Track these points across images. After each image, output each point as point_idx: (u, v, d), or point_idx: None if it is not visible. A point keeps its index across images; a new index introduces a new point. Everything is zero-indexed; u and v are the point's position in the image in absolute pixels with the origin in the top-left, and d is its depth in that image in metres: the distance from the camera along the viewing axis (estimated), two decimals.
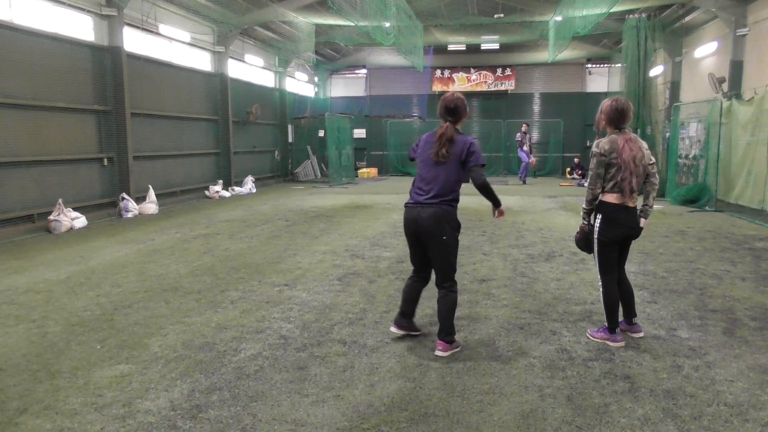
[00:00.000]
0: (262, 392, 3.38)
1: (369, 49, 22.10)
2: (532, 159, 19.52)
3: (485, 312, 4.90)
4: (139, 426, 2.99)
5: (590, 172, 4.06)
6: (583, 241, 4.24)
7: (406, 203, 4.07)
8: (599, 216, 4.08)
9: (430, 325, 4.55)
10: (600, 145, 4.01)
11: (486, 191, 3.95)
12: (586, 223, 4.17)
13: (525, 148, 18.93)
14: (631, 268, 6.47)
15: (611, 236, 4.04)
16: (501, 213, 4.18)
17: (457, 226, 3.97)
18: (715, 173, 11.94)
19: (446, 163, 3.88)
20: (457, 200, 3.97)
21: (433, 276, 4.19)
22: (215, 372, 3.67)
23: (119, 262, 7.01)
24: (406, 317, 4.24)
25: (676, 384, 3.45)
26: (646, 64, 14.05)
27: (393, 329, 4.23)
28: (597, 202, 4.10)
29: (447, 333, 3.96)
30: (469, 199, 14.42)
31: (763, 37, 12.62)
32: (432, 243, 3.94)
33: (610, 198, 4.02)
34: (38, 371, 3.70)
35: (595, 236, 4.11)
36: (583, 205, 4.18)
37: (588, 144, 23.00)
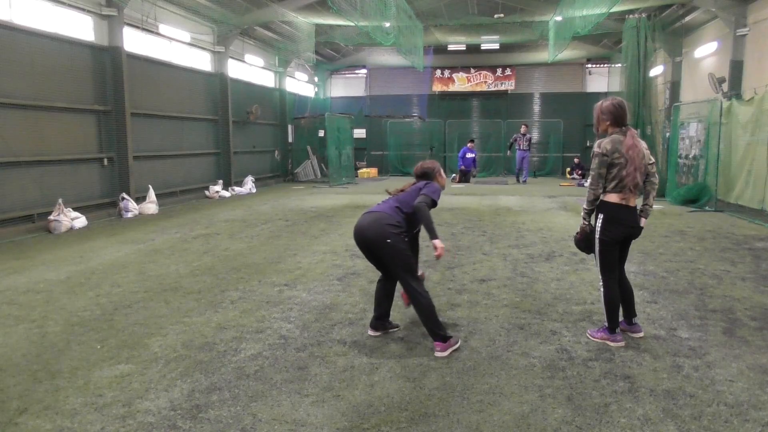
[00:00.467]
0: (262, 392, 3.38)
1: (369, 49, 22.09)
2: (509, 153, 20.18)
3: (485, 312, 4.90)
4: (139, 426, 2.99)
5: (591, 173, 4.06)
6: (584, 242, 4.23)
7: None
8: (600, 216, 4.08)
9: None
10: (602, 145, 4.02)
11: (422, 214, 3.93)
12: (586, 223, 4.17)
13: (523, 147, 19.12)
14: (631, 268, 6.48)
15: (613, 236, 4.05)
16: (437, 249, 3.90)
17: (401, 230, 3.98)
18: (715, 173, 11.93)
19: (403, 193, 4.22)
20: (404, 212, 4.04)
21: None
22: (215, 372, 3.67)
23: (119, 262, 7.01)
24: (381, 319, 4.33)
25: (676, 384, 3.45)
26: (646, 64, 14.04)
27: (370, 332, 4.30)
28: (598, 203, 4.10)
29: (437, 332, 3.95)
30: (469, 198, 14.49)
31: (763, 37, 12.61)
32: (379, 249, 3.97)
33: (612, 198, 4.02)
34: (38, 371, 3.70)
35: (597, 236, 4.10)
36: (584, 206, 4.17)
37: (588, 144, 23.00)
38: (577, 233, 4.29)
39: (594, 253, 4.19)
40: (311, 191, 16.58)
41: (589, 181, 4.13)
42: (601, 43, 20.62)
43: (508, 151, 20.23)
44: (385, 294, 4.29)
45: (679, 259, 6.97)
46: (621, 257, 4.22)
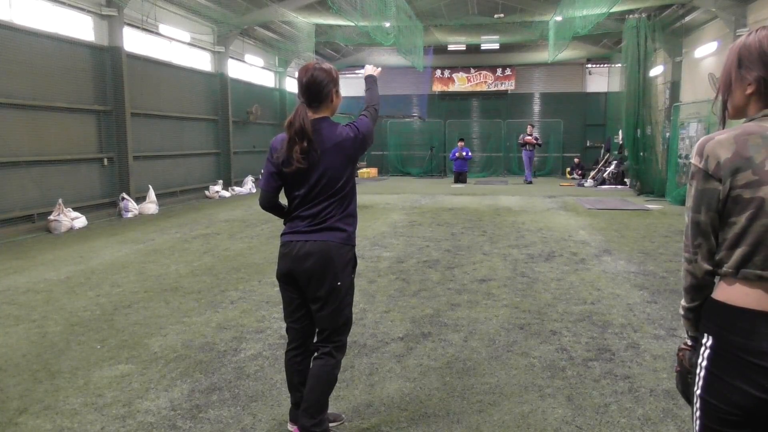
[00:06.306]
0: (262, 392, 3.38)
1: (369, 49, 22.08)
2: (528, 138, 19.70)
3: (485, 312, 4.90)
4: (139, 426, 2.99)
5: (687, 216, 1.63)
6: (681, 382, 1.79)
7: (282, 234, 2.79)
8: (708, 337, 1.57)
9: (430, 325, 4.56)
10: (707, 148, 1.55)
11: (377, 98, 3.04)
12: (689, 342, 1.72)
13: (528, 148, 19.19)
14: (631, 268, 6.48)
15: (734, 400, 1.49)
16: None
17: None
18: None
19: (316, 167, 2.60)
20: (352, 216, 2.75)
21: None
22: (215, 372, 3.67)
23: (119, 262, 7.01)
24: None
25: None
26: (646, 64, 14.05)
27: (290, 427, 2.92)
28: (705, 298, 1.63)
29: (312, 415, 2.64)
30: (469, 198, 14.49)
31: None
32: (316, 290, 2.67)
33: (735, 293, 1.52)
34: (38, 371, 3.70)
35: (697, 390, 1.60)
36: (682, 302, 1.70)
37: (588, 143, 23.01)
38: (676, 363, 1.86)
39: (692, 412, 1.65)
40: None
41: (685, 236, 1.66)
42: (601, 43, 20.62)
43: (523, 149, 20.05)
44: (301, 373, 2.83)
45: (679, 259, 6.93)
46: None
